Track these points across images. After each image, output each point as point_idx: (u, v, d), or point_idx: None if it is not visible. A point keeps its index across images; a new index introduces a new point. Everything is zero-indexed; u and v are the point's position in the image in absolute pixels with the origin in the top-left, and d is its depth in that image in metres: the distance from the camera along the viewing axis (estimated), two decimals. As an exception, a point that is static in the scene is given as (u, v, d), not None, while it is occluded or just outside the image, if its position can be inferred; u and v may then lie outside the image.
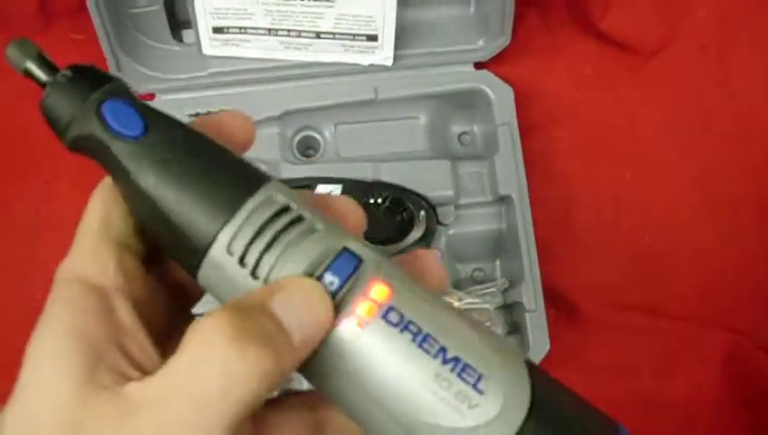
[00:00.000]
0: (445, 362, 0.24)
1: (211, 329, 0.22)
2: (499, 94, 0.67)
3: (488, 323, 0.63)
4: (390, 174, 0.66)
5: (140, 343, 0.24)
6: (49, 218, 0.67)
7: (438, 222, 0.66)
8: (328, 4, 0.62)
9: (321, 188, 0.64)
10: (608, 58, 0.73)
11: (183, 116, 0.66)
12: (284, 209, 0.25)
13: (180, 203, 0.25)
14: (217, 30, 0.65)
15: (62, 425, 0.21)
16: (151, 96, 0.68)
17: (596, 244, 0.71)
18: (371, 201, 0.63)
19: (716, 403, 0.70)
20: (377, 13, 0.63)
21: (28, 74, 0.26)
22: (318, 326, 0.24)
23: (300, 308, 0.23)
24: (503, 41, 0.67)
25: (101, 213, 0.26)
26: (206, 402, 0.21)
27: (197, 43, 0.66)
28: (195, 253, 0.25)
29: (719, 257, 0.71)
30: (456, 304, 0.63)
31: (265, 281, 0.24)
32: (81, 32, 0.67)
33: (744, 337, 0.69)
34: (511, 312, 0.66)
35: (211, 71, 0.67)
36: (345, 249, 0.25)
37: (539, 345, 0.63)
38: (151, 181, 0.25)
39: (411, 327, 0.24)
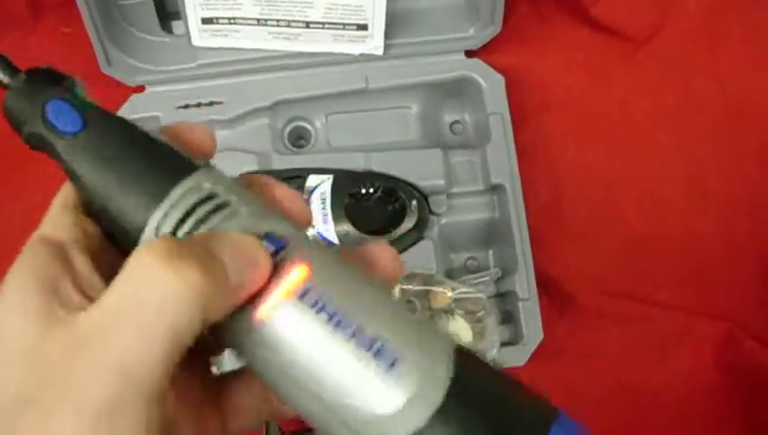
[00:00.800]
0: (360, 343, 0.24)
1: (147, 251, 0.23)
2: (490, 83, 0.67)
3: (482, 313, 0.63)
4: (382, 164, 0.66)
5: (94, 283, 0.25)
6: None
7: (431, 211, 0.66)
8: (318, -7, 0.62)
9: (313, 179, 0.63)
10: (599, 45, 0.73)
11: (173, 107, 0.66)
12: (210, 196, 0.26)
13: (114, 193, 0.26)
14: (207, 21, 0.64)
15: (25, 353, 0.23)
16: (141, 88, 0.67)
17: (588, 232, 0.71)
18: (363, 191, 0.63)
19: (709, 391, 0.70)
20: (367, 2, 0.63)
21: None
22: (253, 271, 0.24)
23: (237, 251, 0.24)
24: (493, 29, 0.66)
25: (66, 189, 0.28)
26: (144, 322, 0.22)
27: (187, 34, 0.66)
28: (129, 239, 0.26)
29: (711, 245, 0.71)
30: (450, 293, 0.63)
31: None
32: (70, 24, 0.67)
33: (736, 325, 0.69)
34: (504, 301, 0.66)
35: (201, 62, 0.67)
36: (267, 233, 0.26)
37: (532, 334, 0.63)
38: (87, 174, 0.27)
39: (328, 308, 0.25)
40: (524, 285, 0.63)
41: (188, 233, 0.26)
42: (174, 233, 0.26)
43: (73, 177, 0.27)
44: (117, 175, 0.26)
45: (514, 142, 0.66)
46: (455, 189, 0.67)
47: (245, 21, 0.65)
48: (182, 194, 0.26)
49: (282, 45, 0.66)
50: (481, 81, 0.67)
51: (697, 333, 0.70)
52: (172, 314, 0.22)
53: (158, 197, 0.26)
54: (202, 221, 0.26)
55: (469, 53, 0.68)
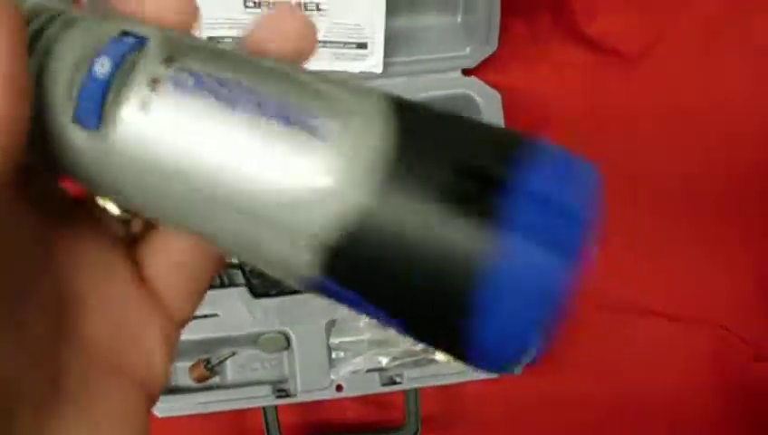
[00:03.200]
0: (264, 113, 0.19)
1: None
2: (486, 100, 0.69)
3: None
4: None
5: None
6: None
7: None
8: (320, 13, 0.64)
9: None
10: (595, 63, 0.75)
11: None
12: (41, 11, 0.21)
13: None
14: (211, 39, 0.67)
15: None
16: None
17: (584, 245, 0.72)
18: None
19: (705, 400, 0.71)
20: (366, 21, 0.65)
21: None
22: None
23: None
24: (489, 48, 0.68)
25: None
26: None
27: (193, 53, 0.68)
28: None
29: (706, 256, 0.72)
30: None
31: (39, 84, 0.20)
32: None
33: (731, 336, 0.71)
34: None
35: (206, 79, 0.69)
36: (124, 32, 0.20)
37: (528, 344, 0.64)
38: None
39: (210, 82, 0.19)
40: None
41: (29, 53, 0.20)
42: None
43: None
44: None
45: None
46: (452, 203, 0.68)
47: (249, 40, 0.67)
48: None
49: (284, 64, 0.69)
50: (477, 98, 0.69)
51: (691, 340, 0.71)
52: None
53: None
54: (37, 38, 0.20)
55: (466, 72, 0.70)
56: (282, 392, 0.64)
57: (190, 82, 0.19)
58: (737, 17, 0.74)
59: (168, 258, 0.24)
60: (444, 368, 0.63)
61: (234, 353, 0.67)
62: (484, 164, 0.18)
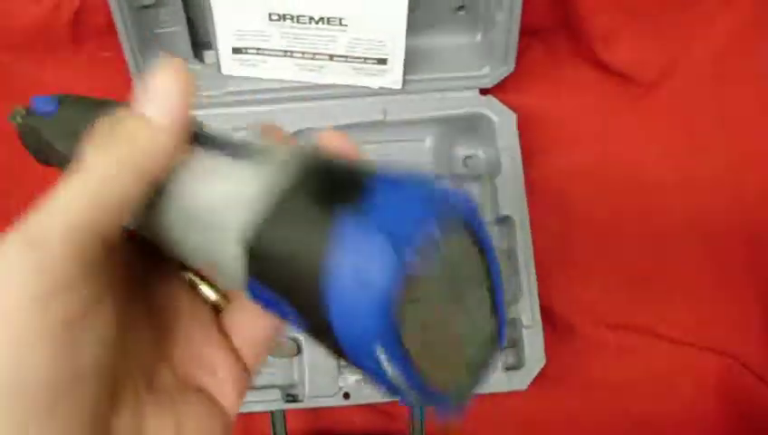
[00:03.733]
0: (226, 154, 0.27)
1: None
2: (503, 119, 0.70)
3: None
4: (396, 192, 0.68)
5: None
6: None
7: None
8: (341, 28, 0.66)
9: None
10: (609, 88, 0.76)
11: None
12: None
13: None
14: (236, 51, 0.68)
15: None
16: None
17: (594, 267, 0.73)
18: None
19: (709, 426, 0.71)
20: (387, 37, 0.66)
21: None
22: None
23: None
24: (507, 69, 0.70)
25: None
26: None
27: (217, 63, 0.70)
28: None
29: (713, 283, 0.73)
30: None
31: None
32: (110, 49, 0.71)
33: (736, 360, 0.71)
34: (509, 328, 0.69)
35: (229, 90, 0.71)
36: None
37: (535, 360, 0.65)
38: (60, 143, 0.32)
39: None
40: (528, 313, 0.66)
41: None
42: None
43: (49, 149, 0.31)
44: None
45: (524, 177, 0.69)
46: (465, 219, 0.69)
47: (273, 52, 0.68)
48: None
49: (306, 77, 0.70)
50: (494, 117, 0.70)
51: (698, 366, 0.72)
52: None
53: None
54: None
55: (483, 91, 0.71)
56: (290, 397, 0.65)
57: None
58: (750, 47, 0.75)
59: (244, 332, 0.32)
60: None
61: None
62: (332, 195, 0.24)
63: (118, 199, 0.25)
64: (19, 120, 0.32)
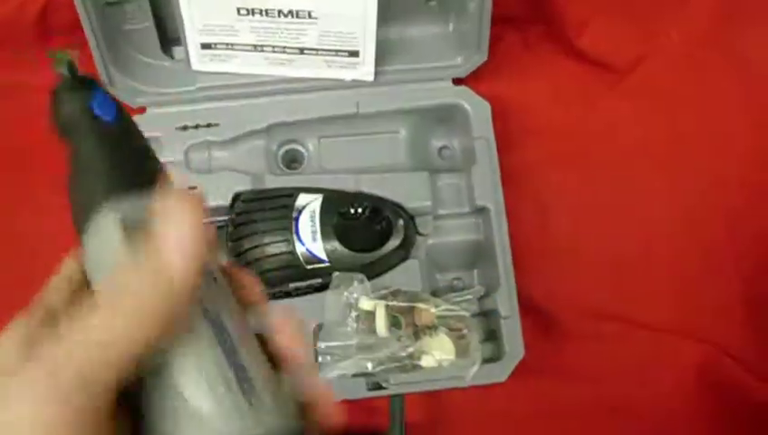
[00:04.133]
0: (233, 366, 0.28)
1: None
2: (477, 109, 0.70)
3: (465, 330, 0.65)
4: (371, 185, 0.68)
5: None
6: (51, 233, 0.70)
7: (417, 232, 0.68)
8: (311, 21, 0.65)
9: (303, 198, 0.66)
10: (584, 75, 0.76)
11: (172, 128, 0.69)
12: None
13: (115, 175, 0.30)
14: (205, 46, 0.68)
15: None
16: (142, 109, 0.70)
17: (572, 255, 0.73)
18: (351, 211, 0.66)
19: (689, 413, 0.71)
20: (358, 29, 0.65)
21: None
22: None
23: None
24: (480, 58, 0.69)
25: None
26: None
27: (187, 58, 0.69)
28: (85, 216, 0.30)
29: (694, 269, 0.73)
30: (433, 310, 0.65)
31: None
32: (76, 48, 0.70)
33: (717, 347, 0.71)
34: (487, 319, 0.68)
35: (199, 85, 0.70)
36: None
37: (514, 352, 0.65)
38: (104, 157, 0.30)
39: (225, 332, 0.29)
40: (506, 303, 0.65)
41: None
42: (128, 226, 0.29)
43: (89, 157, 0.30)
44: (126, 163, 0.30)
45: (500, 167, 0.68)
46: (441, 211, 0.69)
47: (243, 47, 0.68)
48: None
49: (276, 71, 0.69)
50: (468, 107, 0.70)
51: (679, 354, 0.71)
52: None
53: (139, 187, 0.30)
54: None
55: (457, 81, 0.71)
56: (268, 395, 0.64)
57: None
58: (725, 30, 0.75)
59: None
60: (431, 374, 0.64)
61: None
62: None
63: (126, 353, 0.26)
64: (66, 73, 0.31)
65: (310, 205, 0.65)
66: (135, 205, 0.29)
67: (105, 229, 0.29)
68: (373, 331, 0.64)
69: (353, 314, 0.64)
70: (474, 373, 0.63)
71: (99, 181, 0.30)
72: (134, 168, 0.31)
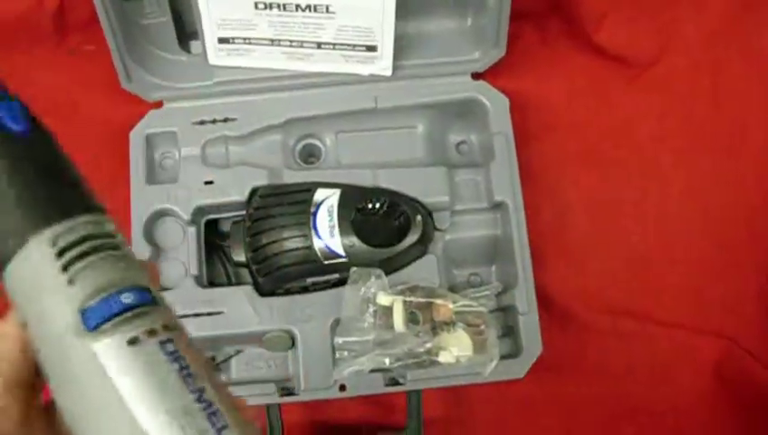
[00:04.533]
0: (199, 400, 0.27)
1: None
2: (495, 104, 0.69)
3: (482, 326, 0.65)
4: (389, 180, 0.68)
5: None
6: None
7: (435, 227, 0.68)
8: (328, 15, 0.65)
9: (321, 193, 0.66)
10: (602, 70, 0.75)
11: (189, 123, 0.69)
12: (111, 235, 0.29)
13: (33, 195, 0.28)
14: (223, 40, 0.67)
15: None
16: (159, 104, 0.70)
17: (589, 250, 0.73)
18: (369, 206, 0.65)
19: (708, 409, 0.71)
20: (376, 24, 0.65)
21: None
22: None
23: None
24: (498, 52, 0.69)
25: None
26: None
27: (204, 53, 0.69)
28: (22, 235, 0.28)
29: (711, 265, 0.72)
30: (451, 305, 0.64)
31: (70, 281, 0.27)
32: (93, 42, 0.70)
33: (735, 344, 0.71)
34: (505, 315, 0.68)
35: (217, 80, 0.70)
36: (148, 288, 0.29)
37: (531, 348, 0.64)
38: (18, 172, 0.28)
39: (181, 362, 0.28)
40: (524, 299, 0.65)
41: (83, 254, 0.28)
42: (70, 247, 0.28)
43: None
44: (43, 180, 0.28)
45: (518, 162, 0.68)
46: (459, 206, 0.69)
47: (260, 41, 0.67)
48: (88, 221, 0.29)
49: (294, 65, 0.69)
50: (486, 102, 0.69)
51: (697, 351, 0.71)
52: None
53: (63, 215, 0.28)
54: (98, 250, 0.28)
55: (475, 76, 0.71)
56: (285, 391, 0.64)
57: (171, 349, 0.28)
58: (742, 25, 0.74)
59: None
60: (448, 370, 0.63)
61: (239, 352, 0.68)
62: None
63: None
64: None
65: (327, 200, 0.65)
66: (60, 229, 0.28)
67: (34, 257, 0.28)
68: (391, 326, 0.63)
69: (371, 309, 0.64)
70: (491, 369, 0.63)
71: (16, 208, 0.28)
72: (52, 187, 0.29)
